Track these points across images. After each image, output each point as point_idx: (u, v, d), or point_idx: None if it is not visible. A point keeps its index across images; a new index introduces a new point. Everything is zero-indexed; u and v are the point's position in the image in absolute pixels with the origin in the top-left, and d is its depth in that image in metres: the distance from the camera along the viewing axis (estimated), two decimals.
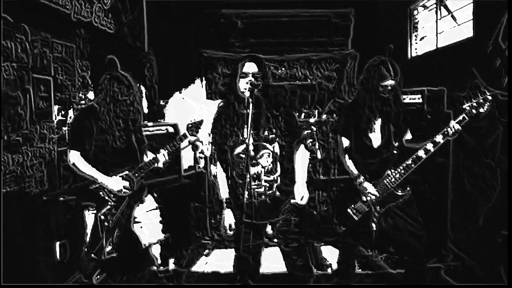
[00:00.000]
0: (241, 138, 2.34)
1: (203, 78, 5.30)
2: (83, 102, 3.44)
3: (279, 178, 2.44)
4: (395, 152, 2.85)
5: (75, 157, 2.68)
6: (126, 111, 2.78)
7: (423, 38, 4.56)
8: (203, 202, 4.25)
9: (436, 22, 4.08)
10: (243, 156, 2.31)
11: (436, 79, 3.87)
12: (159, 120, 4.72)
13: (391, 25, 5.01)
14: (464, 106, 2.64)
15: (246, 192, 2.31)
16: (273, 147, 2.37)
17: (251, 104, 2.20)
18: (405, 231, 2.85)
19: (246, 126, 2.20)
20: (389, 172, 2.80)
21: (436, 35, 4.08)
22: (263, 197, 2.39)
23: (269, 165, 2.38)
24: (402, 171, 2.77)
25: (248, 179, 2.28)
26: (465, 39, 3.58)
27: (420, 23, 4.59)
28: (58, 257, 3.12)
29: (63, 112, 3.20)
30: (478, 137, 3.21)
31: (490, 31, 3.09)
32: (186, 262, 3.68)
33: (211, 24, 5.37)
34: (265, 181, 2.39)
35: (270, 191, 2.40)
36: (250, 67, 2.40)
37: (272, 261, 3.03)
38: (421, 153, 2.73)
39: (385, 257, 3.68)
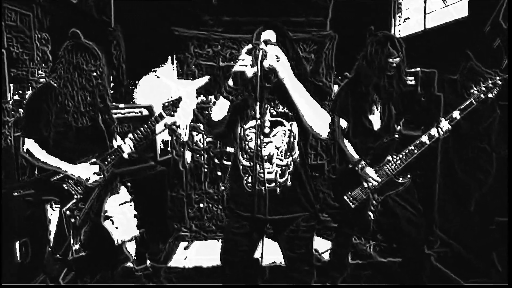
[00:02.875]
0: (252, 112, 1.90)
1: (174, 58, 4.94)
2: (43, 80, 2.99)
3: (293, 163, 1.94)
4: (396, 136, 2.68)
5: (30, 145, 2.28)
6: (93, 84, 2.40)
7: (406, 19, 4.43)
8: (180, 191, 3.93)
9: (425, 2, 3.93)
10: (255, 132, 1.93)
11: (424, 61, 3.74)
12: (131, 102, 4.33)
13: (373, 6, 4.83)
14: (471, 91, 2.50)
15: (250, 178, 1.92)
16: (291, 125, 1.91)
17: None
18: (403, 219, 2.70)
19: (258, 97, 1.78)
20: (389, 157, 2.63)
21: (424, 15, 3.94)
22: (273, 185, 1.92)
23: (284, 146, 1.92)
24: (404, 157, 2.60)
25: (256, 161, 1.87)
26: (456, 20, 3.45)
27: (404, 3, 4.45)
28: (18, 258, 2.72)
29: (20, 92, 2.75)
30: (472, 121, 3.11)
31: (486, 11, 2.96)
32: (163, 257, 3.37)
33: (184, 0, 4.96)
34: (277, 165, 1.91)
35: (282, 179, 1.92)
36: (270, 35, 1.95)
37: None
38: (424, 138, 2.57)
39: (373, 245, 3.56)
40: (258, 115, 1.80)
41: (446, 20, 3.63)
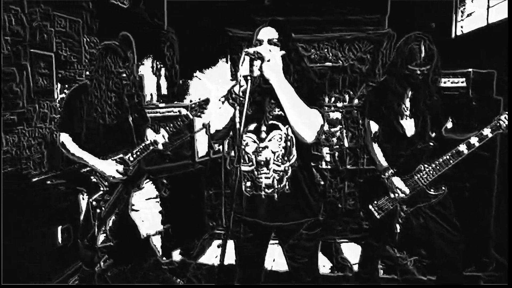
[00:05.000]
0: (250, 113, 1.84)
1: (228, 58, 5.03)
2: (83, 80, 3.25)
3: (291, 169, 1.86)
4: (431, 144, 2.44)
5: (65, 139, 2.49)
6: (120, 85, 2.53)
7: (471, 14, 4.01)
8: (218, 190, 3.99)
9: None
10: (252, 137, 1.92)
11: (484, 61, 3.35)
12: (182, 101, 4.50)
13: (434, 1, 4.46)
14: None
15: (249, 183, 1.90)
16: (287, 129, 1.83)
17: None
18: (437, 235, 2.46)
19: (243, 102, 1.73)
20: (421, 166, 2.40)
21: (487, 9, 3.53)
22: (271, 190, 1.86)
23: (281, 150, 1.85)
24: (438, 167, 2.36)
25: (253, 166, 1.86)
26: None
27: None
28: (60, 242, 2.98)
29: (66, 91, 3.01)
30: None
31: None
32: (196, 253, 3.46)
33: (236, 1, 5.03)
34: (274, 170, 1.86)
35: (280, 185, 1.85)
36: (268, 33, 1.88)
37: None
38: (462, 147, 2.30)
39: (414, 261, 3.29)
40: (237, 119, 1.75)
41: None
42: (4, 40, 2.45)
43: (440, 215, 2.44)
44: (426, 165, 2.40)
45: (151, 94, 4.38)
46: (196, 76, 4.32)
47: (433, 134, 2.47)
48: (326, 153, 4.21)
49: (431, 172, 2.38)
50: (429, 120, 2.45)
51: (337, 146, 4.25)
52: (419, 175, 2.40)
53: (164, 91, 4.65)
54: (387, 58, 4.86)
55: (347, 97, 4.66)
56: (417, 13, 4.59)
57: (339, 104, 4.30)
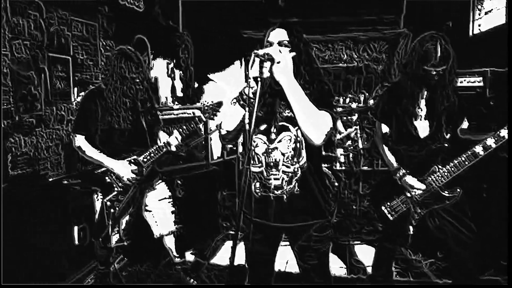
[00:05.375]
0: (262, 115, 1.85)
1: (243, 60, 5.06)
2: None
3: (300, 170, 1.85)
4: (446, 145, 2.40)
5: (80, 141, 2.55)
6: (134, 90, 2.58)
7: (489, 12, 3.92)
8: (232, 191, 4.02)
9: None
10: (262, 138, 1.90)
11: (503, 60, 3.27)
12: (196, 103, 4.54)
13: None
14: None
15: (258, 184, 1.90)
16: (297, 130, 1.82)
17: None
18: (452, 237, 2.42)
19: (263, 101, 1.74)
20: (436, 168, 2.37)
21: (507, 6, 3.45)
22: (279, 192, 1.85)
23: (290, 152, 1.84)
24: (452, 169, 2.32)
25: (263, 167, 1.85)
26: None
27: None
28: (76, 241, 3.04)
29: (82, 94, 3.08)
30: None
31: None
32: (209, 253, 3.49)
33: (250, 2, 5.05)
34: (283, 172, 1.85)
35: (289, 186, 1.84)
36: (278, 35, 1.88)
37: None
38: (478, 149, 2.26)
39: (429, 263, 3.23)
40: (247, 120, 1.75)
41: None
42: (23, 45, 2.52)
43: (455, 217, 2.40)
44: (440, 167, 2.36)
45: (166, 97, 4.43)
46: (210, 79, 4.35)
47: (448, 135, 2.43)
48: (341, 154, 4.18)
49: (446, 173, 2.34)
50: (444, 121, 2.41)
51: (352, 147, 4.22)
52: (433, 177, 2.37)
53: (179, 93, 4.70)
54: (403, 58, 4.81)
55: (362, 97, 4.63)
56: (433, 12, 4.52)
57: (354, 105, 4.26)
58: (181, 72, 4.75)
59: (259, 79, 1.68)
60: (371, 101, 4.42)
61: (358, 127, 4.25)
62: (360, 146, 4.07)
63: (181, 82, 4.81)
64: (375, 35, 4.95)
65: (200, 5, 4.84)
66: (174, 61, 4.59)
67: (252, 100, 1.78)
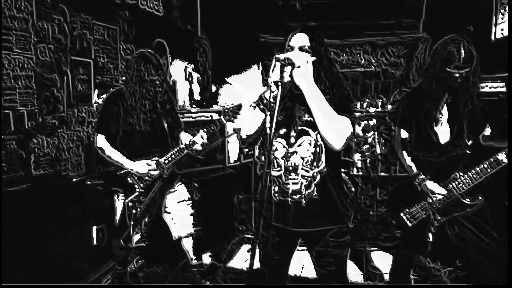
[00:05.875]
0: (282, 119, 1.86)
1: (260, 64, 5.07)
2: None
3: (319, 175, 1.84)
4: (467, 151, 2.36)
5: (101, 141, 2.59)
6: (153, 92, 2.62)
7: None
8: (248, 195, 4.02)
9: None
10: (282, 142, 1.88)
11: None
12: (213, 106, 4.57)
13: (471, 3, 4.31)
14: None
15: (277, 188, 1.89)
16: (317, 135, 1.82)
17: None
18: (473, 245, 2.37)
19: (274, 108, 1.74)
20: (457, 174, 2.33)
21: (507, 6, 3.38)
22: (298, 196, 1.85)
23: (310, 156, 1.84)
24: (474, 176, 2.28)
25: (282, 171, 1.85)
26: None
27: None
28: (95, 242, 3.09)
29: (103, 96, 3.13)
30: None
31: None
32: (225, 256, 3.50)
33: (268, 6, 5.07)
34: (303, 176, 1.85)
35: (308, 191, 1.84)
36: (300, 40, 1.88)
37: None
38: (501, 156, 2.21)
39: (448, 272, 3.17)
40: (268, 124, 1.75)
41: None
42: (48, 48, 2.58)
43: (475, 224, 2.36)
44: (461, 173, 2.32)
45: (184, 100, 4.48)
46: (228, 82, 4.38)
47: (470, 142, 2.39)
48: (358, 160, 4.15)
49: (467, 180, 2.30)
50: (466, 127, 2.38)
51: (369, 153, 4.18)
52: (454, 184, 2.33)
53: (196, 96, 4.74)
54: (422, 63, 4.76)
55: (379, 102, 4.59)
56: (454, 17, 4.46)
57: (371, 110, 4.23)
58: (198, 75, 4.79)
59: (279, 83, 1.68)
60: (389, 106, 4.38)
61: (375, 132, 4.22)
62: (378, 151, 4.03)
63: (198, 85, 4.85)
64: (394, 40, 4.91)
65: (218, 9, 4.88)
66: (192, 64, 4.62)
67: (272, 104, 1.78)
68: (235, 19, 4.92)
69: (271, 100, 1.75)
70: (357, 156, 4.19)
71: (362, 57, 5.00)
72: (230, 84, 4.38)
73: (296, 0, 4.99)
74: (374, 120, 4.16)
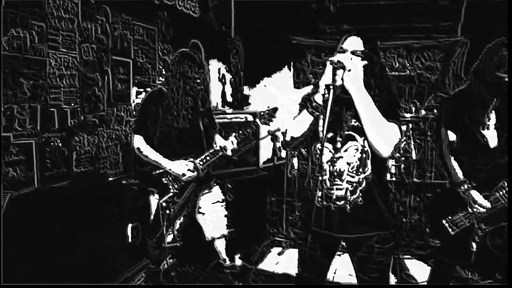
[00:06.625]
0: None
1: (291, 66, 5.04)
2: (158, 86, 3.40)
3: (365, 181, 1.81)
4: None
5: (138, 142, 2.62)
6: (196, 90, 2.66)
7: None
8: (281, 197, 4.00)
9: None
10: (328, 146, 1.83)
11: None
12: (244, 108, 4.58)
13: None
14: None
15: (320, 193, 1.84)
16: (364, 140, 1.79)
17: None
18: None
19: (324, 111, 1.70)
20: (504, 183, 2.24)
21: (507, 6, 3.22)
22: (342, 202, 1.82)
23: (356, 162, 1.80)
24: None
25: (326, 176, 1.82)
26: None
27: None
28: (129, 240, 3.12)
29: (141, 95, 3.18)
30: None
31: None
32: (256, 258, 3.48)
33: (301, 8, 5.04)
34: (348, 182, 1.82)
35: (353, 197, 1.81)
36: (354, 43, 1.83)
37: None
38: None
39: (488, 284, 3.06)
40: (321, 128, 1.72)
41: None
42: (91, 48, 2.64)
43: None
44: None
45: (216, 102, 4.49)
46: (264, 85, 4.37)
47: None
48: (392, 165, 4.07)
49: None
50: None
51: (403, 158, 4.10)
52: (501, 192, 2.24)
53: (229, 97, 4.75)
54: (459, 67, 4.63)
55: (413, 108, 4.50)
56: (494, 20, 4.32)
57: (407, 115, 4.14)
58: (231, 77, 4.80)
59: (331, 86, 1.66)
60: (423, 112, 4.29)
61: (409, 137, 4.14)
62: (414, 157, 3.94)
63: (231, 86, 4.86)
64: (430, 43, 4.79)
65: (251, 11, 4.88)
66: (225, 66, 4.64)
67: (322, 107, 1.75)
68: (268, 20, 4.92)
69: (321, 103, 1.72)
70: (390, 162, 4.11)
71: (396, 61, 4.90)
72: (264, 86, 4.36)
73: (330, 2, 4.94)
74: (409, 125, 4.08)
